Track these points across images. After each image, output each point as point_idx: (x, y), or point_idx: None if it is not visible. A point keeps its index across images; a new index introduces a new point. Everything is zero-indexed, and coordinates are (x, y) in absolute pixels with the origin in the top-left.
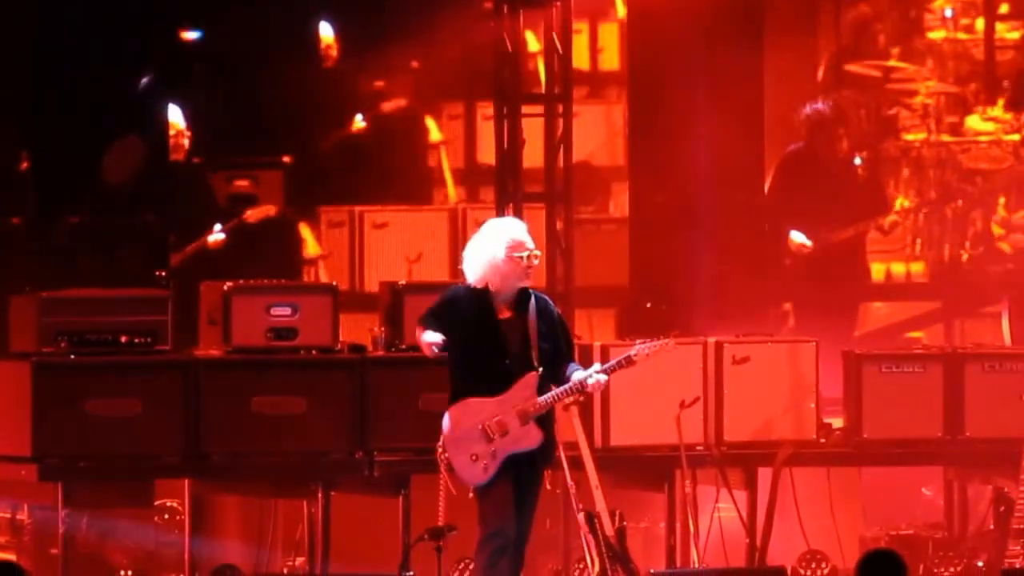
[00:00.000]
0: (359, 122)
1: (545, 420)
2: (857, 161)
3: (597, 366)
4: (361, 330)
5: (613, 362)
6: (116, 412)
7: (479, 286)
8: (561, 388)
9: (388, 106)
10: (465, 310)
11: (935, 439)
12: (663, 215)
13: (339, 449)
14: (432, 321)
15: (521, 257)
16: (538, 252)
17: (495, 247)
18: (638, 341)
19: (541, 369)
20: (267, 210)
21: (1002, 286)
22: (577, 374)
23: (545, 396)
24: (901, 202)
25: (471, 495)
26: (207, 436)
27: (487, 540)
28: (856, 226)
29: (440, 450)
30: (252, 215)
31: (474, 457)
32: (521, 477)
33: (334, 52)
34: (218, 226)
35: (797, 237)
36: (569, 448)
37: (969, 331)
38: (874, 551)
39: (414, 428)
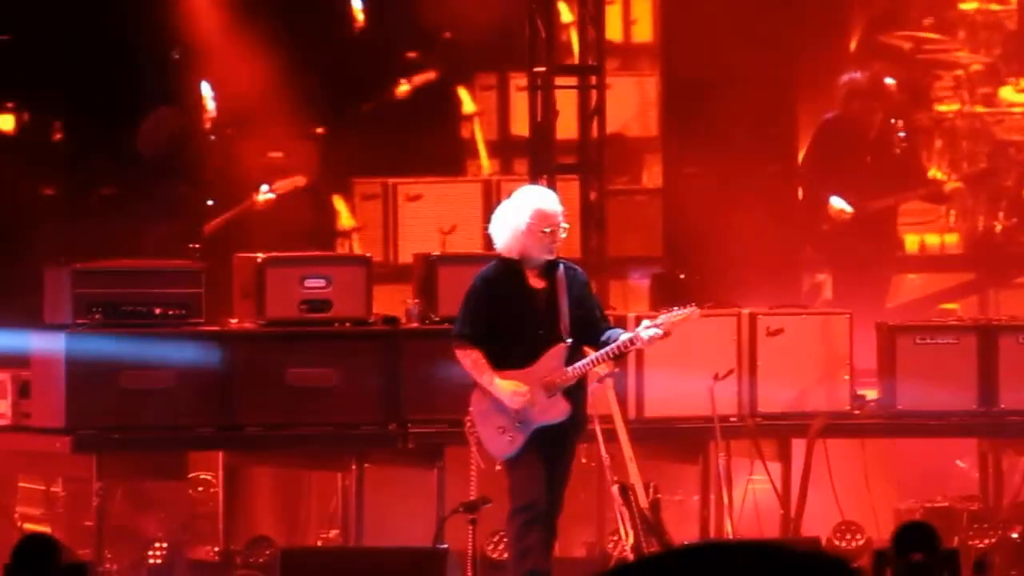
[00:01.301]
0: (403, 85)
1: (575, 392)
2: (901, 135)
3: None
4: (395, 302)
5: (646, 325)
6: (150, 384)
7: (506, 255)
8: (592, 356)
9: (420, 78)
10: (496, 289)
11: (969, 411)
12: (696, 186)
13: (372, 421)
14: (474, 327)
15: (544, 231)
16: (566, 225)
17: (519, 217)
18: (663, 310)
19: (570, 341)
20: (297, 181)
21: None
22: (624, 334)
23: (573, 367)
24: (933, 173)
25: (499, 468)
26: (241, 408)
27: (517, 512)
28: (897, 196)
29: (468, 424)
30: (280, 187)
31: (501, 429)
32: (551, 449)
33: (361, 21)
34: (265, 186)
35: (837, 203)
36: (603, 420)
37: (1003, 302)
38: (909, 523)
39: (448, 400)
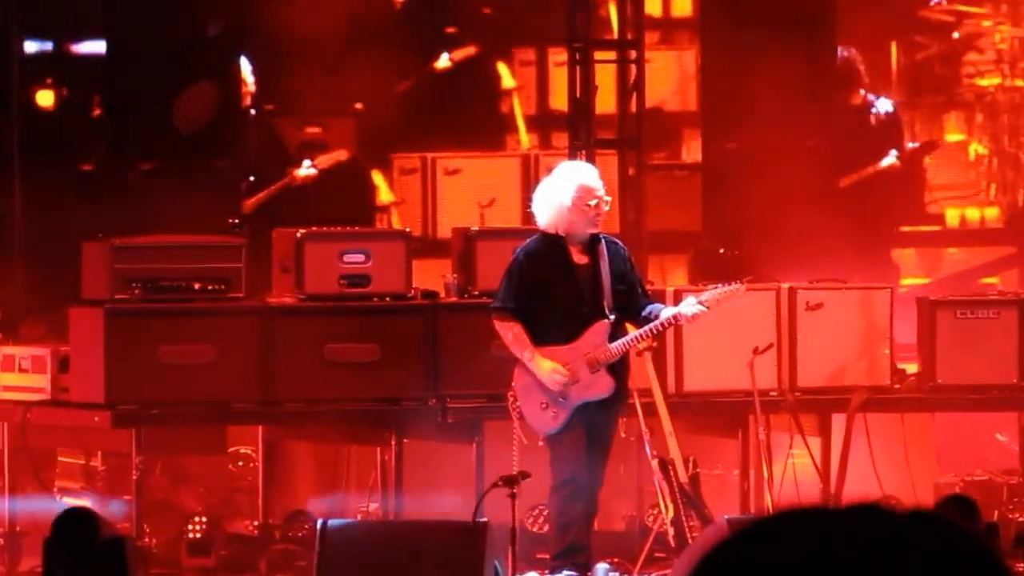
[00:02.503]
0: (444, 60)
1: (617, 367)
2: (875, 110)
3: (667, 310)
4: (434, 276)
5: (691, 300)
6: (189, 359)
7: (550, 231)
8: (635, 332)
9: (460, 53)
10: (539, 264)
11: (1009, 384)
12: (735, 161)
13: (412, 396)
14: (516, 301)
15: (589, 205)
16: (608, 199)
17: (564, 192)
18: (709, 286)
19: (613, 316)
20: (337, 156)
21: None
22: (666, 310)
23: (616, 343)
24: (975, 147)
25: (541, 443)
26: (280, 383)
27: (559, 487)
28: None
29: (511, 399)
30: (321, 162)
31: (544, 405)
32: (593, 424)
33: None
34: (307, 161)
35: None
36: (643, 395)
37: None
38: (949, 496)
39: (487, 374)
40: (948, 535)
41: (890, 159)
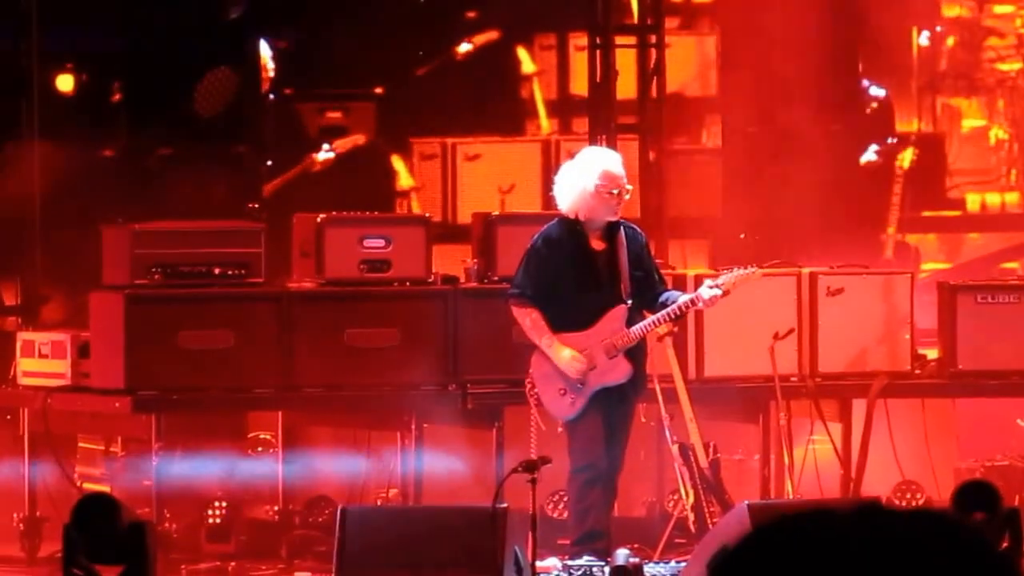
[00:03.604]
0: (465, 45)
1: (635, 353)
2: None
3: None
4: (454, 261)
5: (708, 284)
6: (209, 344)
7: (569, 215)
8: (653, 317)
9: (482, 38)
10: (557, 249)
11: None
12: (756, 146)
13: (432, 381)
14: (535, 287)
15: (611, 193)
16: (630, 187)
17: (586, 178)
18: (724, 270)
19: (631, 302)
20: (355, 140)
21: None
22: (683, 296)
23: (634, 328)
24: (995, 132)
25: (560, 430)
26: (300, 368)
27: (577, 473)
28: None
29: (529, 385)
30: (340, 145)
31: (562, 391)
32: (611, 410)
33: None
34: (326, 145)
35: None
36: (663, 380)
37: None
38: (969, 482)
39: (507, 360)
40: (954, 535)
41: (869, 155)
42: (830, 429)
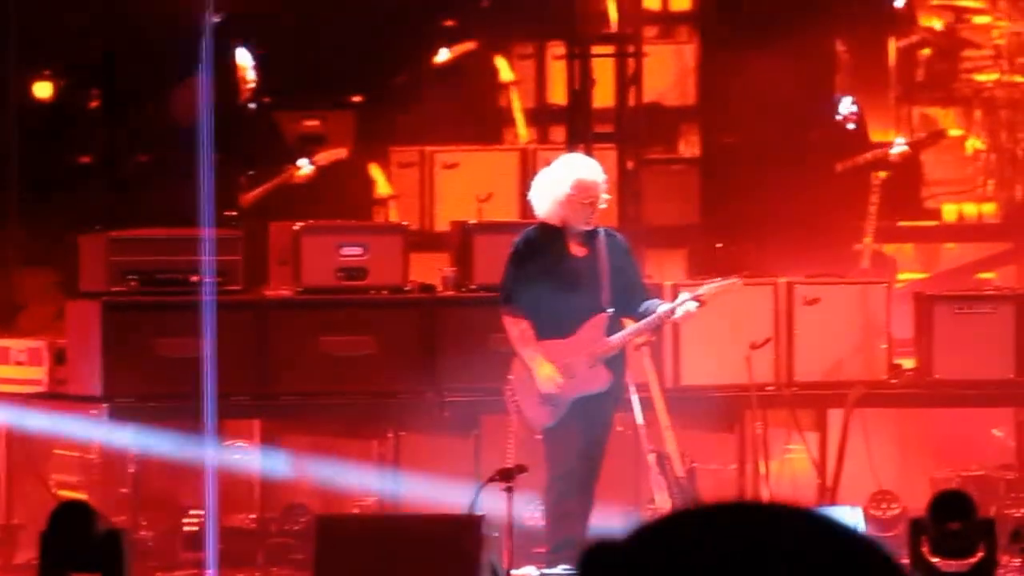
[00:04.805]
0: (443, 54)
1: (614, 361)
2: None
3: (662, 304)
4: (431, 270)
5: (687, 296)
6: (186, 352)
7: (549, 221)
8: (634, 326)
9: (460, 48)
10: (538, 251)
11: (1006, 380)
12: (734, 155)
13: (409, 389)
14: (524, 293)
15: (583, 202)
16: (607, 196)
17: (560, 187)
18: (706, 280)
19: (612, 310)
20: (338, 153)
21: None
22: (663, 305)
23: (615, 337)
24: (972, 143)
25: (538, 437)
26: (277, 376)
27: (554, 481)
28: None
29: (508, 391)
30: (322, 159)
31: (540, 399)
32: (589, 418)
33: None
34: (304, 160)
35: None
36: (640, 389)
37: None
38: (945, 492)
39: (484, 368)
40: (813, 531)
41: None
42: (807, 438)
